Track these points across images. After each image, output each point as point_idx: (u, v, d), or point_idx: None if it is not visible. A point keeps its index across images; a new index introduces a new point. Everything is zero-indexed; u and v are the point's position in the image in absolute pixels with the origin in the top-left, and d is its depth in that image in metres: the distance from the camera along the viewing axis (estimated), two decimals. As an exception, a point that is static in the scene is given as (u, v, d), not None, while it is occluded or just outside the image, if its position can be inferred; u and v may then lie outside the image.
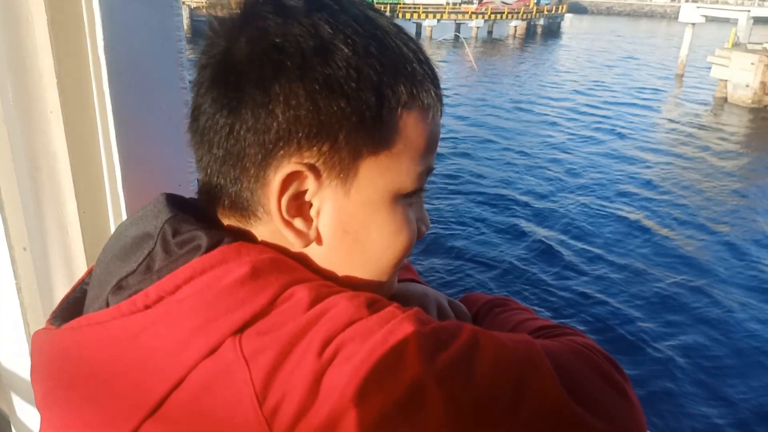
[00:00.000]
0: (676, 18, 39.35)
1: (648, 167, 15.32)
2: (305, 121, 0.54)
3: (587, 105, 22.84)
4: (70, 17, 0.82)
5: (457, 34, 46.19)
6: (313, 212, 0.58)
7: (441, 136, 0.63)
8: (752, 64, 22.98)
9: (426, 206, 0.67)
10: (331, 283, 0.56)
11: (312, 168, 0.55)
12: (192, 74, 0.64)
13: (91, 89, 0.86)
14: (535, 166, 14.94)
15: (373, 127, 0.56)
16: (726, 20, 38.61)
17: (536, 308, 7.99)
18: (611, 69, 33.37)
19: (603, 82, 28.58)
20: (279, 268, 0.54)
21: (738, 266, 9.99)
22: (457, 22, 50.59)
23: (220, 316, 0.50)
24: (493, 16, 52.20)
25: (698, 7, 32.47)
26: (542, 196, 12.79)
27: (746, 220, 11.95)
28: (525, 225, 11.13)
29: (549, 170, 14.64)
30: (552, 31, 58.78)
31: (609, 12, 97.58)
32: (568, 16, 72.43)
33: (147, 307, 0.52)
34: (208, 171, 0.59)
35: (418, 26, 46.81)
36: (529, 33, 54.73)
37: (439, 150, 0.63)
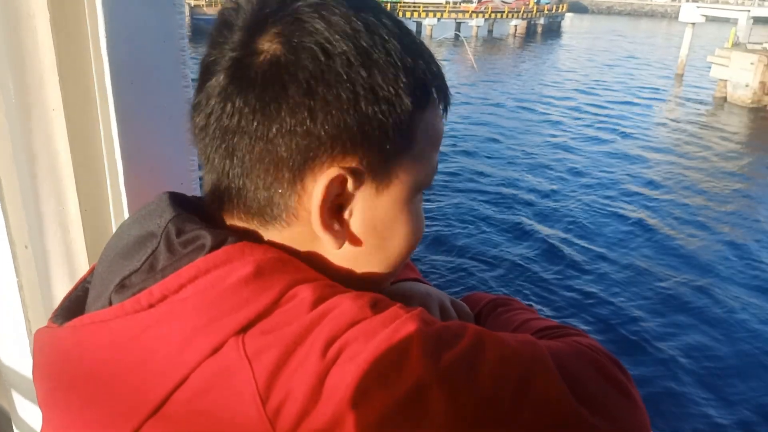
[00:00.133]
0: (677, 18, 39.34)
1: (648, 167, 15.32)
2: (350, 126, 0.53)
3: (587, 104, 22.85)
4: (71, 15, 0.82)
5: (458, 33, 46.17)
6: (346, 214, 0.58)
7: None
8: (752, 63, 22.98)
9: (428, 205, 0.68)
10: (334, 282, 0.55)
11: (353, 172, 0.55)
12: (194, 72, 0.63)
13: (93, 87, 0.86)
14: (535, 164, 14.95)
15: (406, 128, 0.57)
16: (726, 20, 38.59)
17: (538, 307, 7.98)
18: (611, 68, 33.38)
19: (603, 81, 28.60)
20: (283, 268, 0.54)
21: (739, 266, 9.99)
22: (458, 21, 50.57)
23: (223, 316, 0.50)
24: (493, 15, 52.18)
25: (698, 7, 32.46)
26: (542, 195, 12.79)
27: (747, 220, 11.96)
28: (526, 224, 11.14)
29: (549, 169, 14.65)
30: (552, 31, 58.79)
31: (609, 11, 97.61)
32: (568, 15, 72.47)
33: (151, 305, 0.52)
34: (224, 174, 0.57)
35: (418, 25, 46.79)
36: (530, 32, 54.74)
37: (440, 148, 0.64)
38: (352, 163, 0.55)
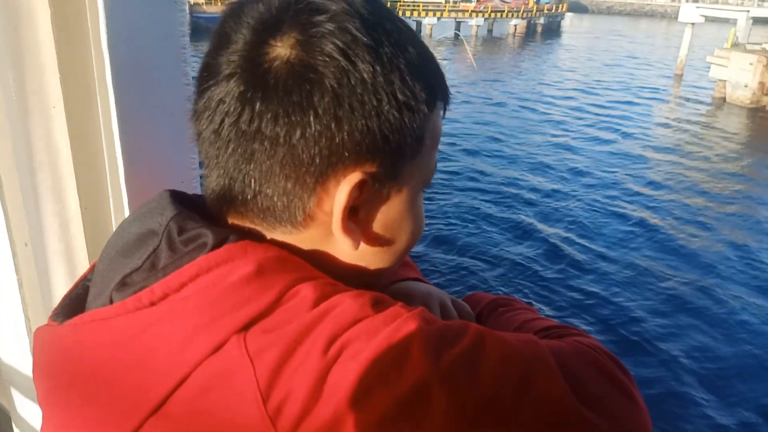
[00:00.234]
0: (676, 18, 39.34)
1: (647, 166, 15.33)
2: (373, 132, 0.54)
3: (588, 104, 22.86)
4: (72, 12, 0.82)
5: (457, 32, 46.15)
6: (361, 216, 0.58)
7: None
8: (751, 64, 22.99)
9: (428, 204, 0.68)
10: (335, 281, 0.55)
11: (374, 176, 0.56)
12: (194, 70, 0.62)
13: (94, 85, 0.85)
14: (535, 163, 14.96)
15: (421, 132, 0.58)
16: (725, 20, 38.61)
17: (539, 307, 8.00)
18: (611, 68, 33.39)
19: (603, 81, 28.61)
20: (284, 267, 0.54)
21: (740, 266, 10.00)
22: (457, 20, 50.55)
23: (225, 314, 0.50)
24: (493, 15, 52.17)
25: (698, 7, 32.47)
26: (542, 194, 12.80)
27: (747, 221, 11.96)
28: (526, 223, 11.14)
29: (549, 168, 14.66)
30: (552, 30, 58.77)
31: (609, 11, 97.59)
32: (568, 15, 72.47)
33: (152, 304, 0.52)
34: (239, 178, 0.55)
35: (418, 24, 46.77)
36: (530, 32, 54.73)
37: (439, 148, 0.64)
38: (373, 168, 0.55)
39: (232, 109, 0.53)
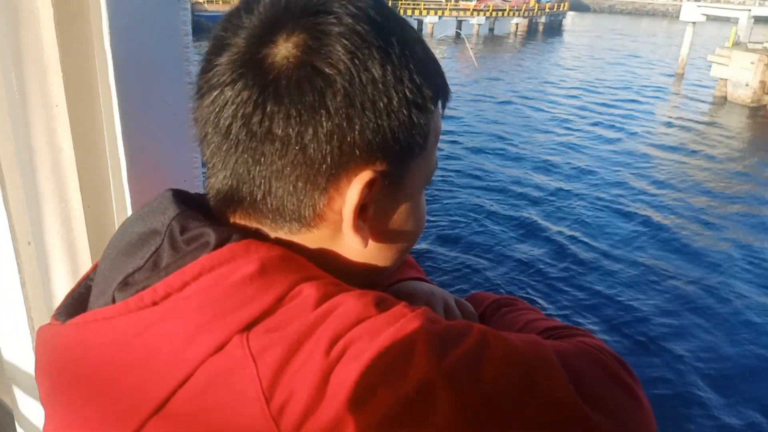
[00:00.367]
0: (678, 17, 39.27)
1: (650, 165, 15.33)
2: (384, 131, 0.54)
3: (589, 102, 22.85)
4: (75, 11, 0.82)
5: (459, 31, 46.13)
6: (369, 214, 0.58)
7: (441, 133, 0.66)
8: (752, 63, 22.96)
9: (431, 203, 0.68)
10: (338, 280, 0.55)
11: (384, 174, 0.56)
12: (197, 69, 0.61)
13: (97, 84, 0.85)
14: (538, 162, 14.96)
15: (426, 130, 0.58)
16: (727, 19, 38.50)
17: (542, 305, 8.00)
18: (613, 67, 33.35)
19: (605, 79, 28.58)
20: (287, 266, 0.54)
21: (745, 265, 9.99)
22: (459, 19, 50.47)
23: (227, 313, 0.50)
24: (494, 14, 52.12)
25: (699, 6, 32.42)
26: (545, 193, 12.80)
27: (752, 220, 11.95)
28: (529, 222, 11.15)
29: (552, 166, 14.66)
30: (554, 29, 58.66)
31: (611, 10, 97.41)
32: (570, 13, 72.36)
33: (154, 303, 0.52)
34: (247, 179, 0.55)
35: (419, 23, 46.68)
36: (531, 30, 54.67)
37: (440, 147, 0.65)
38: (383, 166, 0.55)
39: (241, 110, 0.53)
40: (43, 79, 0.82)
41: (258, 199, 0.56)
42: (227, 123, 0.54)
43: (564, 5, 63.41)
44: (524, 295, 8.29)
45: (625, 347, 7.33)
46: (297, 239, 0.58)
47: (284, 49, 0.52)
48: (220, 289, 0.51)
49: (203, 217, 0.57)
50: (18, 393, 1.00)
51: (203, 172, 0.63)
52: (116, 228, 0.64)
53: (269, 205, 0.56)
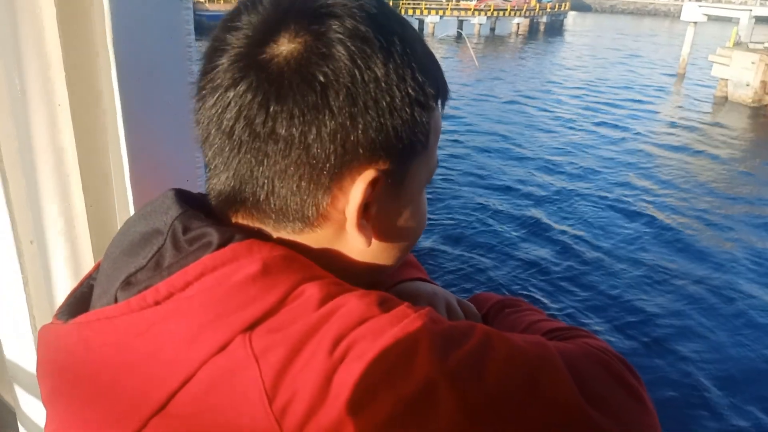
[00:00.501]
0: (679, 16, 39.23)
1: (651, 164, 15.34)
2: (387, 129, 0.54)
3: (590, 102, 22.86)
4: (78, 10, 0.82)
5: (460, 30, 46.10)
6: (372, 213, 0.58)
7: (442, 132, 0.66)
8: (753, 63, 22.95)
9: (435, 203, 0.68)
10: (341, 280, 0.55)
11: (387, 173, 0.56)
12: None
13: (99, 83, 0.85)
14: (539, 161, 14.96)
15: (428, 128, 0.58)
16: (728, 19, 38.49)
17: (545, 305, 8.00)
18: (615, 67, 33.37)
19: (607, 79, 28.59)
20: (290, 266, 0.53)
21: (750, 264, 9.98)
22: (460, 18, 50.46)
23: (230, 313, 0.49)
24: (495, 13, 52.09)
25: (700, 6, 32.41)
26: (549, 192, 12.81)
27: (755, 219, 11.94)
28: (533, 221, 11.15)
29: (556, 166, 14.66)
30: (555, 29, 58.62)
31: (612, 10, 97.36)
32: (571, 13, 72.33)
33: (157, 303, 0.52)
34: (250, 179, 0.55)
35: (420, 22, 46.69)
36: (532, 30, 54.66)
37: (442, 146, 0.64)
38: (386, 165, 0.56)
39: (245, 111, 0.53)
40: (45, 78, 0.82)
41: (261, 199, 0.56)
42: (230, 124, 0.54)
43: (565, 5, 63.37)
44: (527, 295, 8.29)
45: (628, 347, 7.33)
46: (300, 239, 0.58)
47: (286, 49, 0.52)
48: (222, 289, 0.51)
49: (205, 217, 0.57)
50: (20, 392, 1.00)
51: (205, 173, 0.63)
52: (118, 227, 0.63)
53: (272, 205, 0.56)
